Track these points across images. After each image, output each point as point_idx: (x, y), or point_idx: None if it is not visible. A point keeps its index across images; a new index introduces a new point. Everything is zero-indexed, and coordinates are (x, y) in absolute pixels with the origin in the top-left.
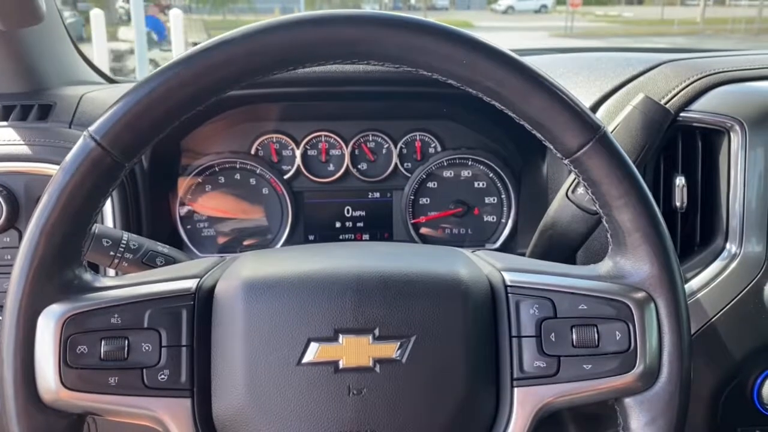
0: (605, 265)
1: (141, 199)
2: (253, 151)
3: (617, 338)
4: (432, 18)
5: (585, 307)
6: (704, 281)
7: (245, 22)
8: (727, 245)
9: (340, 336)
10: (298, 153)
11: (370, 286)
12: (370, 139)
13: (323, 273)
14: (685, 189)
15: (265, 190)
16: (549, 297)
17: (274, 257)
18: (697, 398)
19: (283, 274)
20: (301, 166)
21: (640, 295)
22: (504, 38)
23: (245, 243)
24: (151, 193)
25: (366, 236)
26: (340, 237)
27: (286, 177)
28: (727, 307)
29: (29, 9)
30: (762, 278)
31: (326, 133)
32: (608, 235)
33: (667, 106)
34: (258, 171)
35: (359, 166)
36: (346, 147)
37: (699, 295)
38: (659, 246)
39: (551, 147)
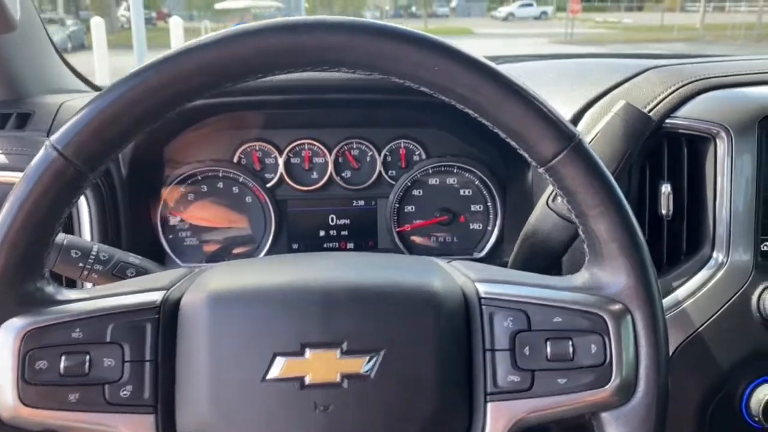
0: (581, 276)
1: (120, 209)
2: (235, 159)
3: (592, 351)
4: (433, 25)
5: (560, 320)
6: (691, 290)
7: None
8: (714, 254)
9: (307, 350)
10: (281, 161)
11: (339, 298)
12: (354, 146)
13: (291, 285)
14: (671, 196)
15: (248, 199)
16: (523, 309)
17: (243, 269)
18: (684, 410)
19: (250, 286)
20: (284, 174)
21: (616, 307)
22: (504, 45)
23: (229, 252)
24: (131, 202)
25: (351, 245)
26: (325, 246)
27: (269, 185)
28: (714, 316)
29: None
30: (749, 287)
31: (309, 141)
32: (585, 246)
33: (652, 112)
34: (241, 179)
35: (343, 174)
36: (330, 155)
37: (685, 305)
38: (636, 257)
39: (526, 155)
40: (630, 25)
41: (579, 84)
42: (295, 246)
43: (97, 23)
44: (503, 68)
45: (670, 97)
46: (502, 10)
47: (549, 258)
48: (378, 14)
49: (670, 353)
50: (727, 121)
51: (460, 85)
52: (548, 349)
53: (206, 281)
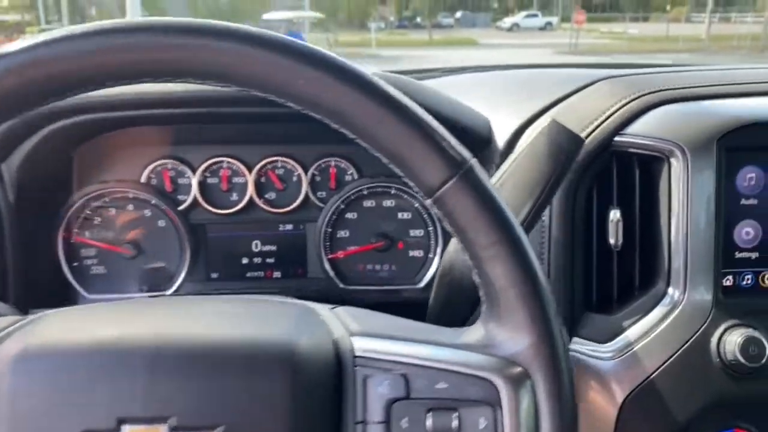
0: (475, 332)
1: (5, 235)
2: (144, 179)
3: (480, 426)
4: (437, 36)
5: (445, 386)
6: (643, 331)
7: None
8: (669, 290)
9: (125, 427)
10: (194, 181)
11: (170, 359)
12: (279, 165)
13: (114, 342)
14: (620, 224)
15: (161, 223)
16: (403, 372)
17: (72, 319)
18: None
19: (67, 342)
20: (198, 196)
21: (513, 370)
22: (509, 55)
23: (142, 281)
24: (22, 227)
25: (277, 273)
26: (248, 275)
27: (181, 208)
28: (669, 361)
29: None
30: (708, 328)
31: (228, 159)
32: (481, 294)
33: (599, 128)
34: (153, 201)
35: (266, 196)
36: (250, 174)
37: (637, 347)
38: (537, 308)
39: (412, 185)
40: (635, 35)
41: (525, 96)
42: (214, 275)
43: None
44: (435, 83)
45: (620, 111)
46: (507, 21)
47: (469, 299)
48: (383, 24)
49: (621, 401)
50: (683, 139)
51: (331, 100)
52: (429, 422)
53: (22, 336)
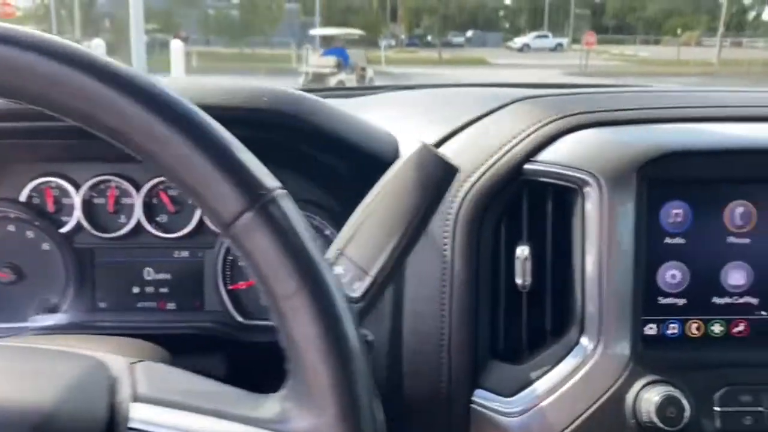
0: (273, 403)
1: None
2: (24, 198)
3: None
4: (447, 55)
5: None
6: (552, 384)
7: (261, 55)
8: (582, 339)
9: None
10: (77, 201)
11: None
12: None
13: None
14: (528, 262)
15: (45, 246)
16: None
17: None
18: None
19: None
20: (82, 218)
21: None
22: (519, 75)
23: (25, 310)
24: None
25: (172, 305)
26: (139, 305)
27: (63, 230)
28: (579, 420)
29: None
30: (624, 384)
31: (115, 178)
32: (286, 356)
33: (509, 153)
34: (36, 223)
35: (158, 219)
36: (138, 194)
37: (544, 403)
38: (342, 375)
39: (207, 217)
40: (646, 58)
41: (439, 117)
42: (102, 305)
43: (97, 45)
44: (354, 102)
45: (532, 135)
46: (518, 41)
47: None
48: (393, 42)
49: None
50: (598, 168)
51: (105, 112)
52: None
53: None
